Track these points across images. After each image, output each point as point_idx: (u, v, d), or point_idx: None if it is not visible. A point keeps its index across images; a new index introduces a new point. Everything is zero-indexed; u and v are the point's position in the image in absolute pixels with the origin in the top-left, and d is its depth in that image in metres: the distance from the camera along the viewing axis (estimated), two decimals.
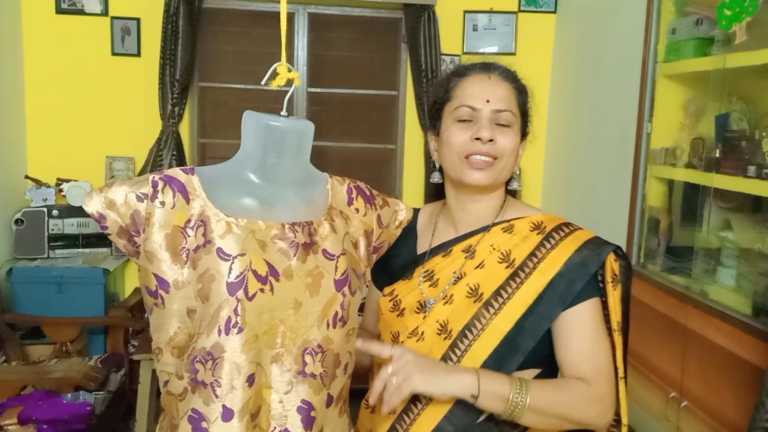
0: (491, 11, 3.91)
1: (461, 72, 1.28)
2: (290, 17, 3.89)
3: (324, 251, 1.07)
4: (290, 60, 3.84)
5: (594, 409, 1.14)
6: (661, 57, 2.52)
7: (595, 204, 3.29)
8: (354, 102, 4.12)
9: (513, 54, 3.93)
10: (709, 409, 2.05)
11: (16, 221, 3.46)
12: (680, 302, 2.22)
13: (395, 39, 4.05)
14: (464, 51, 3.91)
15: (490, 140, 1.20)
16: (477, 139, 1.21)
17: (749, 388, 1.86)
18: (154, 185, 1.01)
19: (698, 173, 2.28)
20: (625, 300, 1.24)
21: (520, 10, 3.94)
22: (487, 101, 1.22)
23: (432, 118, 1.32)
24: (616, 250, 1.23)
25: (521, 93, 1.28)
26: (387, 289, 1.34)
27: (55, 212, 3.53)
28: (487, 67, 1.27)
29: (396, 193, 4.02)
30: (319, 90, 4.03)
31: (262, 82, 1.10)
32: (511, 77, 1.28)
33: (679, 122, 2.50)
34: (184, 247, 0.99)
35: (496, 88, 1.24)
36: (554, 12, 3.95)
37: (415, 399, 1.20)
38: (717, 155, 2.17)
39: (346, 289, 1.07)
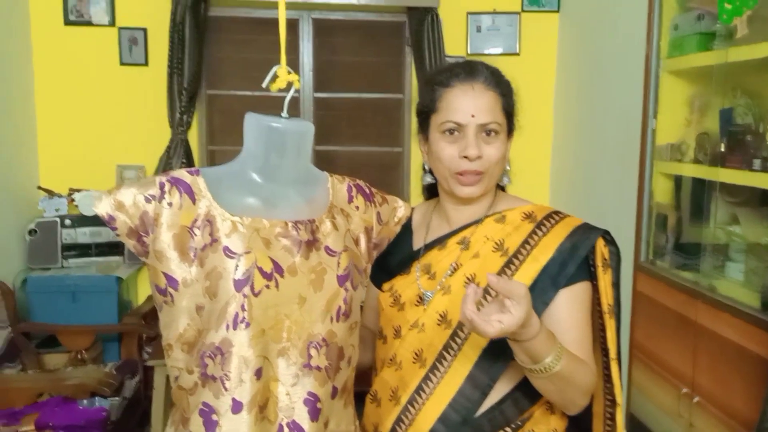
0: (494, 12, 3.92)
1: (445, 81, 1.27)
2: (295, 23, 3.92)
3: (326, 248, 1.10)
4: (296, 66, 3.88)
5: (591, 385, 1.20)
6: (665, 53, 2.52)
7: (603, 201, 3.29)
8: (360, 106, 4.14)
9: (517, 54, 3.94)
10: (721, 404, 2.05)
11: (30, 232, 3.50)
12: (690, 298, 2.22)
13: (400, 42, 4.07)
14: (468, 52, 3.93)
15: (478, 157, 1.23)
16: (465, 156, 1.23)
17: (760, 381, 1.86)
18: (161, 187, 1.05)
19: (704, 168, 2.28)
20: (616, 285, 1.26)
21: (523, 11, 3.95)
22: (472, 116, 1.23)
23: (420, 123, 1.34)
24: (605, 235, 1.26)
25: (506, 96, 1.29)
26: (386, 285, 1.37)
27: (67, 222, 3.56)
28: (470, 75, 1.26)
29: (404, 195, 4.03)
30: (325, 95, 4.05)
31: (263, 85, 1.14)
32: (494, 83, 1.27)
33: (684, 118, 2.51)
34: (192, 246, 1.02)
35: (480, 99, 1.24)
36: (557, 11, 3.95)
37: (420, 390, 1.23)
38: (722, 150, 2.17)
39: (348, 284, 1.10)
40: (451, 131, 1.25)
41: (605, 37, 3.33)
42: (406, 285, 1.33)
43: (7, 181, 3.46)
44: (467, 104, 1.24)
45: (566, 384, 1.13)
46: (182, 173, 1.07)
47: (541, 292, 1.21)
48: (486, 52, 3.94)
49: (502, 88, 1.29)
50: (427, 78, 1.37)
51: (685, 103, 2.51)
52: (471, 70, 1.28)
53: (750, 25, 1.99)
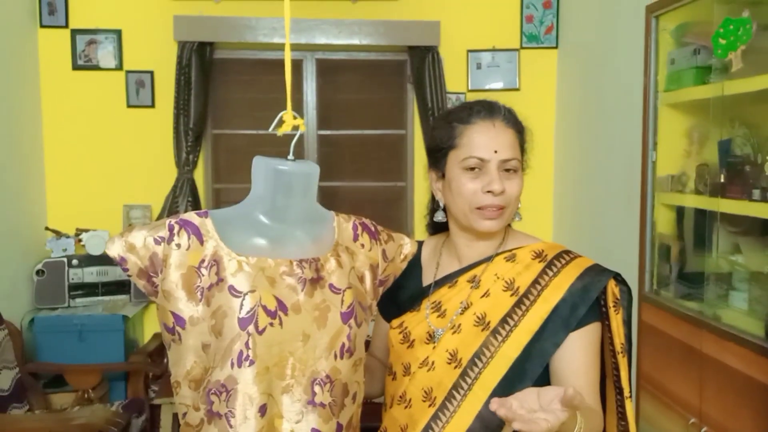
0: (494, 49, 3.99)
1: (465, 119, 1.29)
2: (298, 63, 4.00)
3: (330, 285, 1.12)
4: (299, 104, 3.94)
5: (598, 430, 1.19)
6: (662, 86, 2.57)
7: (606, 234, 3.31)
8: (363, 142, 4.20)
9: (517, 90, 4.00)
10: None
11: (38, 272, 3.53)
12: (695, 327, 2.22)
13: (401, 80, 4.14)
14: (469, 89, 3.99)
15: (502, 192, 1.25)
16: (488, 191, 1.24)
17: (766, 410, 1.86)
18: (170, 229, 1.08)
19: (705, 199, 2.30)
20: (627, 323, 1.27)
21: (522, 47, 4.01)
22: (495, 151, 1.25)
23: (435, 160, 1.34)
24: (616, 276, 1.27)
25: (521, 134, 1.31)
26: (396, 322, 1.38)
27: (74, 262, 3.60)
28: (490, 113, 1.29)
29: (408, 229, 4.06)
30: (328, 132, 4.11)
31: (269, 129, 1.17)
32: (513, 121, 1.30)
33: (683, 149, 2.53)
34: (199, 286, 1.05)
35: (501, 136, 1.26)
36: (556, 47, 4.02)
37: (428, 428, 1.23)
38: (722, 180, 2.20)
39: (352, 321, 1.12)
40: (473, 167, 1.26)
41: (603, 71, 3.38)
42: (416, 322, 1.34)
43: (15, 222, 3.51)
44: (489, 140, 1.26)
45: None
46: (191, 215, 1.11)
47: (552, 333, 1.21)
48: (486, 87, 3.99)
49: (518, 126, 1.31)
50: (442, 115, 1.38)
51: (684, 135, 2.54)
52: (490, 108, 1.30)
53: (745, 59, 2.03)
